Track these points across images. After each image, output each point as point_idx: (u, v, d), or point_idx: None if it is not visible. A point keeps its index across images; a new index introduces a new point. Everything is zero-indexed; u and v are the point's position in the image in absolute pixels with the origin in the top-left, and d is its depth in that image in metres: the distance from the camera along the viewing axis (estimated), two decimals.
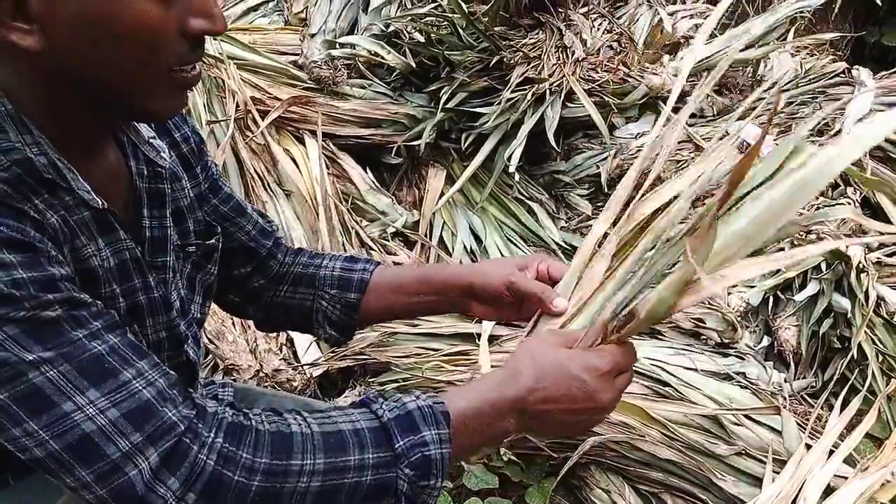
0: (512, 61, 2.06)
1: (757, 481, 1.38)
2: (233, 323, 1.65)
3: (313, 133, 2.02)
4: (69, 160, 0.67)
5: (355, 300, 0.97)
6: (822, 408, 1.54)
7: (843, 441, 1.35)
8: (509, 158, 2.03)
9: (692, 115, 2.51)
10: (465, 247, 2.04)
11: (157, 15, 0.62)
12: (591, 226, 2.43)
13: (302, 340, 1.69)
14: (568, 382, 0.70)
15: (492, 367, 1.50)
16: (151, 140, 0.80)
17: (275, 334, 1.69)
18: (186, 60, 0.66)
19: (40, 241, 0.60)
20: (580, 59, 2.24)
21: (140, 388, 0.60)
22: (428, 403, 0.68)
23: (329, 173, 1.98)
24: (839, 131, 2.47)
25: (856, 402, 1.41)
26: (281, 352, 1.64)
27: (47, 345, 0.58)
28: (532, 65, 2.09)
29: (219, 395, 0.98)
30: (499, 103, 2.02)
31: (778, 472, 1.34)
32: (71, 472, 0.59)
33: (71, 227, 0.66)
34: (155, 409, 0.60)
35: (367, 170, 2.14)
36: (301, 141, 2.02)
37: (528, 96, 2.02)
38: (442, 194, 2.09)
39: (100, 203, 0.69)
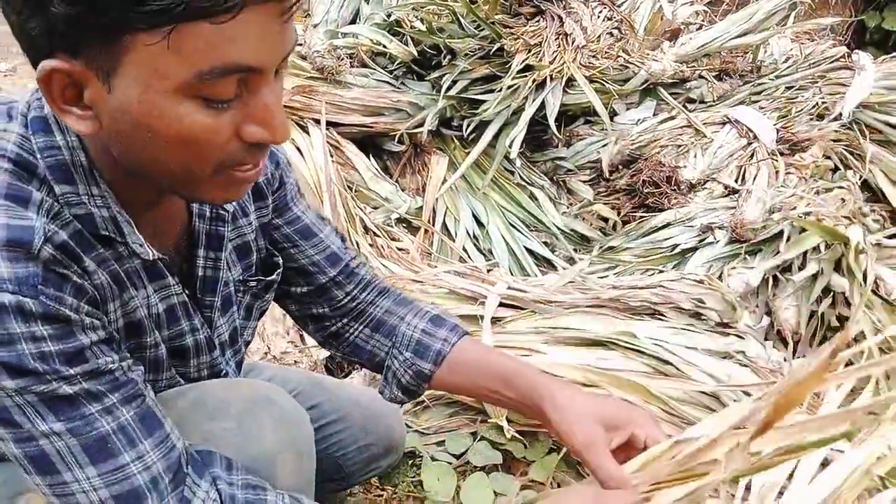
0: (513, 49, 2.09)
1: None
2: None
3: (317, 122, 2.04)
4: (130, 210, 0.69)
5: (428, 371, 0.94)
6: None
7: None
8: (510, 144, 2.05)
9: (691, 101, 2.53)
10: (467, 232, 2.07)
11: (207, 125, 0.58)
12: (592, 211, 2.43)
13: None
14: None
15: (494, 346, 1.53)
16: None
17: (282, 318, 1.72)
18: (238, 161, 0.63)
19: (76, 309, 0.62)
20: (580, 45, 2.25)
21: (135, 472, 0.64)
22: None
23: (333, 161, 2.01)
24: (839, 115, 2.49)
25: (852, 379, 1.42)
26: (288, 335, 1.67)
27: (60, 417, 0.62)
28: (533, 52, 2.11)
29: None
30: (500, 90, 2.04)
31: None
32: None
33: (121, 280, 0.70)
34: (143, 497, 0.64)
35: (371, 157, 2.17)
36: (305, 130, 2.05)
37: (529, 83, 2.04)
38: (444, 181, 2.12)
39: (150, 255, 0.71)
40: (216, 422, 0.74)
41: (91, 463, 0.62)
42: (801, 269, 1.84)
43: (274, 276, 0.90)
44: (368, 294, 1.00)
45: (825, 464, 1.31)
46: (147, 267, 0.72)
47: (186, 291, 0.78)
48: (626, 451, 0.84)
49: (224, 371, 0.85)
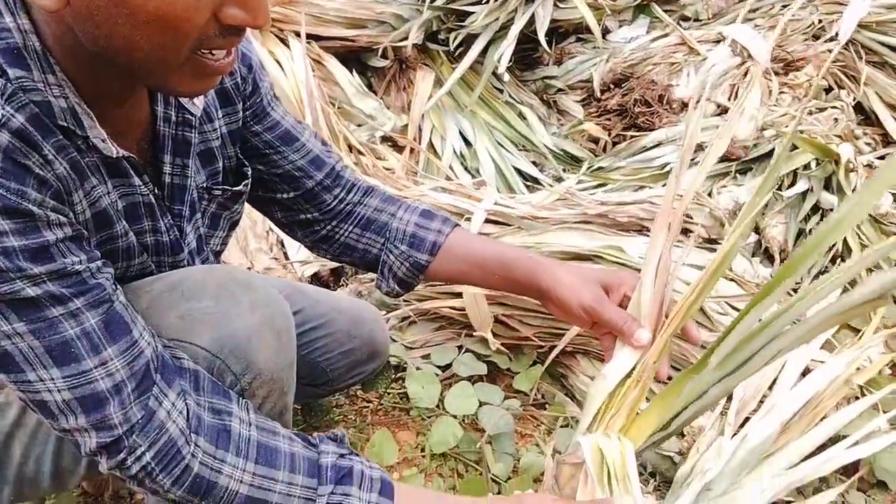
0: None
1: None
2: None
3: (297, 34, 1.96)
4: (89, 103, 0.65)
5: (424, 262, 0.95)
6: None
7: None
8: (499, 59, 1.99)
9: (686, 18, 2.45)
10: (454, 150, 2.02)
11: (188, 3, 0.55)
12: (582, 131, 2.38)
13: (293, 240, 1.69)
14: None
15: None
16: None
17: (265, 235, 1.70)
18: (214, 45, 0.60)
19: (40, 203, 0.60)
20: None
21: (97, 377, 0.64)
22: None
23: (315, 76, 1.94)
24: (835, 35, 2.43)
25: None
26: (272, 251, 1.65)
27: (23, 319, 0.60)
28: None
29: None
30: (488, 1, 1.97)
31: None
32: (36, 412, 0.66)
33: (81, 170, 0.66)
34: (105, 402, 0.64)
35: (354, 74, 2.10)
36: (285, 43, 1.98)
37: None
38: (430, 97, 2.06)
39: (114, 152, 0.67)
40: (193, 301, 0.72)
41: (55, 365, 0.62)
42: (791, 186, 1.82)
43: (241, 187, 0.87)
44: (355, 195, 0.98)
45: (808, 374, 1.33)
46: (108, 163, 0.69)
47: (155, 191, 0.75)
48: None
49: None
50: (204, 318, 0.72)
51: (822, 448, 1.14)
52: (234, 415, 0.70)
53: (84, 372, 0.63)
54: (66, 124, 0.63)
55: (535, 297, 0.92)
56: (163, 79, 0.61)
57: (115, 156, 0.68)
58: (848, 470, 1.27)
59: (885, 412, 1.25)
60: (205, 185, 0.83)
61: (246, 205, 0.95)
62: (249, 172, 0.89)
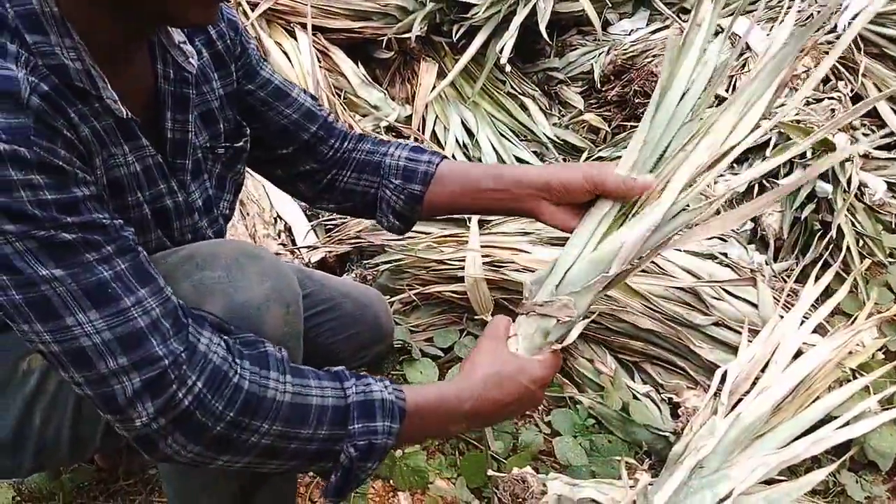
0: None
1: (732, 350, 1.45)
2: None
3: (303, 26, 2.00)
4: (101, 65, 0.69)
5: (419, 192, 0.98)
6: (798, 284, 1.60)
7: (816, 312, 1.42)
8: (501, 50, 2.03)
9: (685, 11, 2.48)
10: (457, 140, 2.06)
11: None
12: (583, 121, 2.42)
13: (300, 227, 1.73)
14: (519, 392, 0.81)
15: (481, 251, 1.55)
16: (181, 44, 0.80)
17: (273, 221, 1.74)
18: None
19: (69, 162, 0.63)
20: None
21: (136, 315, 0.65)
22: (391, 398, 0.75)
23: (321, 67, 1.98)
24: (833, 28, 2.45)
25: (829, 275, 1.46)
26: (279, 237, 1.69)
27: (60, 263, 0.62)
28: None
29: None
30: None
31: (753, 342, 1.42)
32: (66, 371, 0.66)
33: (100, 136, 0.70)
34: (145, 338, 0.65)
35: (360, 66, 2.14)
36: (292, 35, 2.01)
37: None
38: (434, 88, 2.09)
39: (125, 113, 0.71)
40: (206, 271, 0.75)
41: (93, 307, 0.63)
42: (787, 175, 1.85)
43: (242, 143, 0.91)
44: (349, 143, 1.03)
45: (800, 357, 1.37)
46: (120, 125, 0.73)
47: (159, 154, 0.79)
48: None
49: (207, 236, 0.87)
50: (215, 288, 0.74)
51: (813, 429, 1.17)
52: (266, 343, 0.74)
53: (122, 310, 0.64)
54: (82, 85, 0.67)
55: (533, 195, 0.92)
56: (175, 7, 0.66)
57: (125, 117, 0.72)
58: (839, 450, 1.30)
59: (875, 394, 1.29)
60: (208, 144, 0.87)
61: (249, 182, 0.99)
62: (248, 131, 0.93)
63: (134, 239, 0.69)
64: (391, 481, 1.29)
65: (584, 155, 2.14)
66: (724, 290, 1.50)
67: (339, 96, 2.03)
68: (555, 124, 2.25)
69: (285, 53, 1.95)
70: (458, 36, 2.10)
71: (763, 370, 1.33)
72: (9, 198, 0.59)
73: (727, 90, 2.18)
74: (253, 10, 1.94)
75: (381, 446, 0.74)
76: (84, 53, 0.67)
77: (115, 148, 0.72)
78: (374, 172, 1.01)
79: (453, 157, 2.05)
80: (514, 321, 0.88)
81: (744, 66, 2.26)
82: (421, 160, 0.99)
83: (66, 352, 0.64)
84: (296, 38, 1.99)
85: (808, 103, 2.12)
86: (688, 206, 0.85)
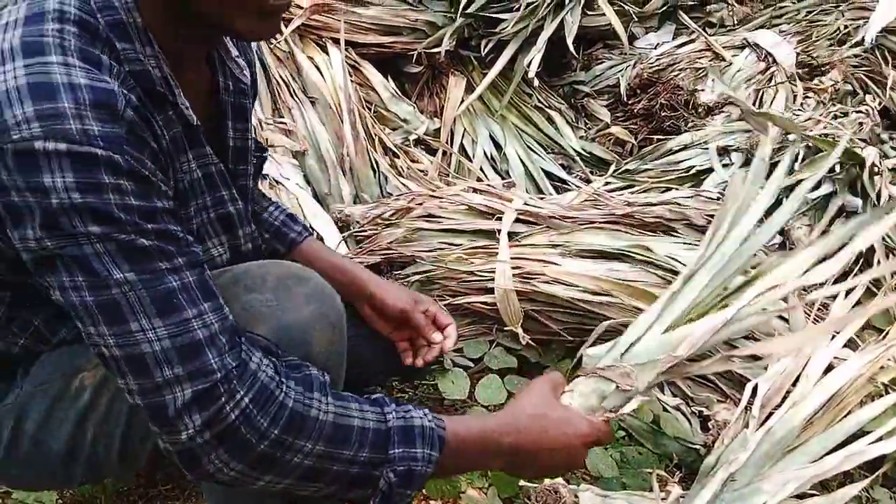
0: None
1: (763, 363, 1.45)
2: None
3: (336, 41, 2.04)
4: (175, 73, 0.74)
5: (283, 253, 1.08)
6: (828, 298, 1.59)
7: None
8: (529, 64, 2.05)
9: (711, 24, 2.50)
10: (485, 153, 2.09)
11: None
12: (609, 134, 2.42)
13: (331, 238, 1.76)
14: (561, 441, 0.80)
15: (511, 262, 1.57)
16: (237, 58, 0.86)
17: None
18: None
19: (153, 173, 0.68)
20: None
21: (196, 327, 0.67)
22: (430, 425, 0.75)
23: (352, 81, 2.02)
24: (861, 41, 2.46)
25: (859, 289, 1.46)
26: None
27: (134, 267, 0.65)
28: None
29: None
30: (518, 9, 2.03)
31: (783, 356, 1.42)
32: (122, 377, 0.69)
33: (175, 143, 0.75)
34: (202, 350, 0.67)
35: (389, 80, 2.17)
36: (324, 49, 2.05)
37: (548, 2, 2.03)
38: (462, 102, 2.12)
39: (194, 119, 0.76)
40: (254, 294, 0.78)
41: (158, 315, 0.66)
42: (815, 189, 1.86)
43: (266, 154, 1.00)
44: None
45: (831, 371, 1.37)
46: (188, 134, 0.77)
47: (221, 163, 0.83)
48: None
49: (258, 246, 0.91)
50: (263, 310, 0.77)
51: (845, 443, 1.17)
52: (310, 367, 0.76)
53: (184, 321, 0.67)
54: (162, 90, 0.72)
55: (360, 299, 1.09)
56: (238, 22, 0.70)
57: (195, 123, 0.76)
58: (872, 465, 1.29)
59: None
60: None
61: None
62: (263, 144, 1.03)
63: (202, 256, 0.73)
64: (423, 490, 1.30)
65: (612, 168, 2.16)
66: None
67: (370, 110, 2.06)
68: (581, 137, 2.27)
69: (317, 68, 1.99)
70: (486, 50, 2.13)
71: (794, 384, 1.33)
72: (98, 199, 0.63)
73: (755, 104, 2.19)
74: (286, 26, 1.98)
75: (420, 474, 0.74)
76: (162, 62, 0.72)
77: (182, 155, 0.77)
78: (254, 220, 1.09)
79: (481, 169, 2.08)
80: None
81: (770, 79, 2.27)
82: (294, 228, 1.10)
83: (127, 357, 0.67)
84: (328, 53, 2.03)
85: (835, 117, 2.12)
86: (764, 308, 0.87)
